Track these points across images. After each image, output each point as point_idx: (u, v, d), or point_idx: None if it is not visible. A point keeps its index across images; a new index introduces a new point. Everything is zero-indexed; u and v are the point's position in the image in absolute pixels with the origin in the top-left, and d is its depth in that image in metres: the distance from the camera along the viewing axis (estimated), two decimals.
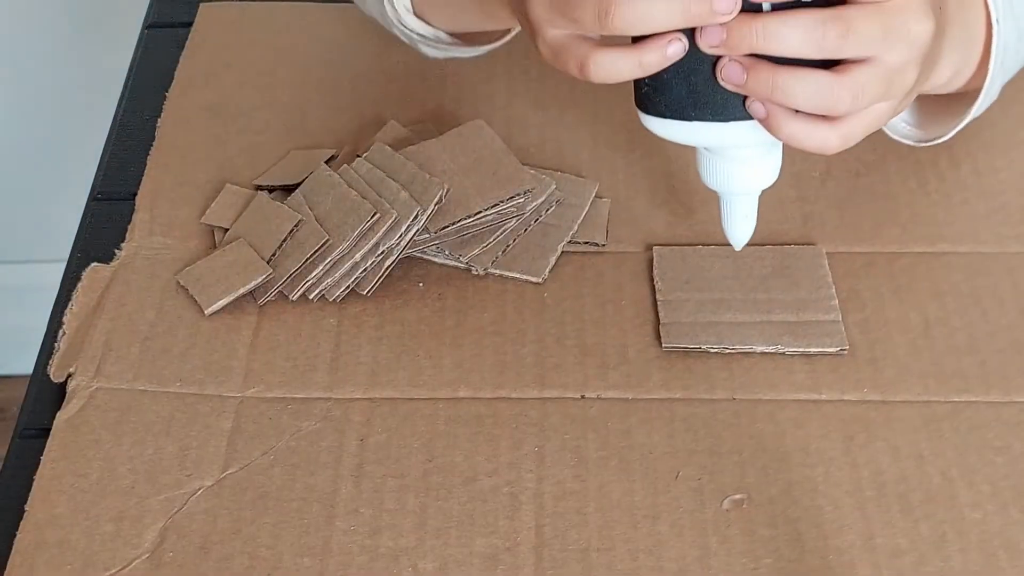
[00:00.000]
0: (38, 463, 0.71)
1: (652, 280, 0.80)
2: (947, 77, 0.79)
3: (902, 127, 0.85)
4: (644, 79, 0.70)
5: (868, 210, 0.85)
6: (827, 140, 0.68)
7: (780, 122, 0.68)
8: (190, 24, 1.01)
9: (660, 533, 0.68)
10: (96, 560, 0.67)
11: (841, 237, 0.83)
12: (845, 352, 0.76)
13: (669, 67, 0.68)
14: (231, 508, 0.69)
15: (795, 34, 0.65)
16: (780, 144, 0.72)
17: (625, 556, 0.67)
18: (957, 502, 0.69)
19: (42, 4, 1.66)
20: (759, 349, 0.76)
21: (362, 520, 0.69)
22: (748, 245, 0.81)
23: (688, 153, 0.88)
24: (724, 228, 0.76)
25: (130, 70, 0.98)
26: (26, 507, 0.69)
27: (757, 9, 0.66)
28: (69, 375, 0.76)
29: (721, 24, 0.66)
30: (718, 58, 0.67)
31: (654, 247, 0.82)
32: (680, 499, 0.69)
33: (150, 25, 1.02)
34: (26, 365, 0.85)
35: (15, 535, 0.68)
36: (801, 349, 0.76)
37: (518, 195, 0.82)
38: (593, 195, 0.85)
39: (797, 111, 0.67)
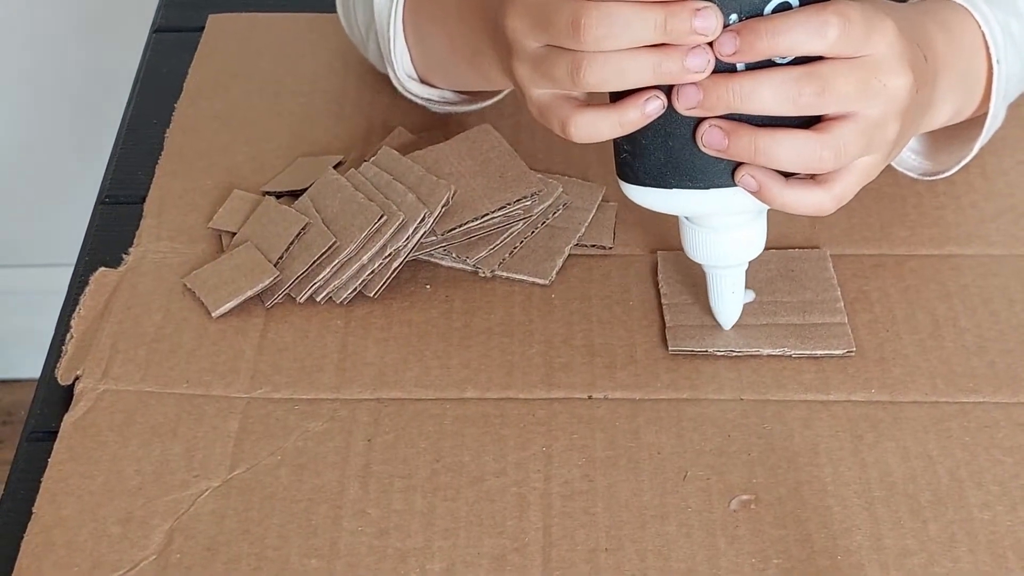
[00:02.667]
0: (46, 466, 0.71)
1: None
2: (947, 117, 0.79)
3: (909, 157, 0.85)
4: (623, 146, 0.71)
5: (876, 212, 0.85)
6: (822, 203, 0.69)
7: (773, 193, 0.68)
8: (198, 29, 1.01)
9: (668, 533, 0.68)
10: (104, 562, 0.67)
11: (849, 240, 0.83)
12: (852, 354, 0.76)
13: (647, 132, 0.69)
14: (238, 509, 0.69)
15: (771, 93, 0.66)
16: (764, 213, 0.73)
17: (633, 556, 0.67)
18: (966, 502, 0.69)
19: (49, 9, 1.67)
20: (765, 352, 0.76)
21: (369, 521, 0.69)
22: None
23: None
24: (712, 306, 0.76)
25: (138, 74, 0.99)
26: (34, 509, 0.69)
27: (732, 69, 0.66)
28: (76, 378, 0.76)
29: (697, 85, 0.66)
30: (697, 122, 0.68)
31: (658, 252, 0.82)
32: (688, 499, 0.69)
33: (158, 29, 1.03)
34: (34, 369, 0.85)
35: (23, 537, 0.68)
36: (807, 352, 0.76)
37: (525, 198, 0.82)
38: (600, 199, 0.85)
39: (788, 180, 0.68)
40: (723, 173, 0.69)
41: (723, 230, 0.73)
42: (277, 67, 0.98)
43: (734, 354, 0.76)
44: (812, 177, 0.69)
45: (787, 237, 0.83)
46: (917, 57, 0.70)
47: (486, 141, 0.85)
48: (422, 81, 0.88)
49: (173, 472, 0.71)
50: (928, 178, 0.85)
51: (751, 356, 0.76)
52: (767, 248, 0.81)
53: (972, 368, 0.75)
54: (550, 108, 0.69)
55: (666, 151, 0.69)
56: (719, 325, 0.77)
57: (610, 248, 0.83)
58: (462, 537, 0.68)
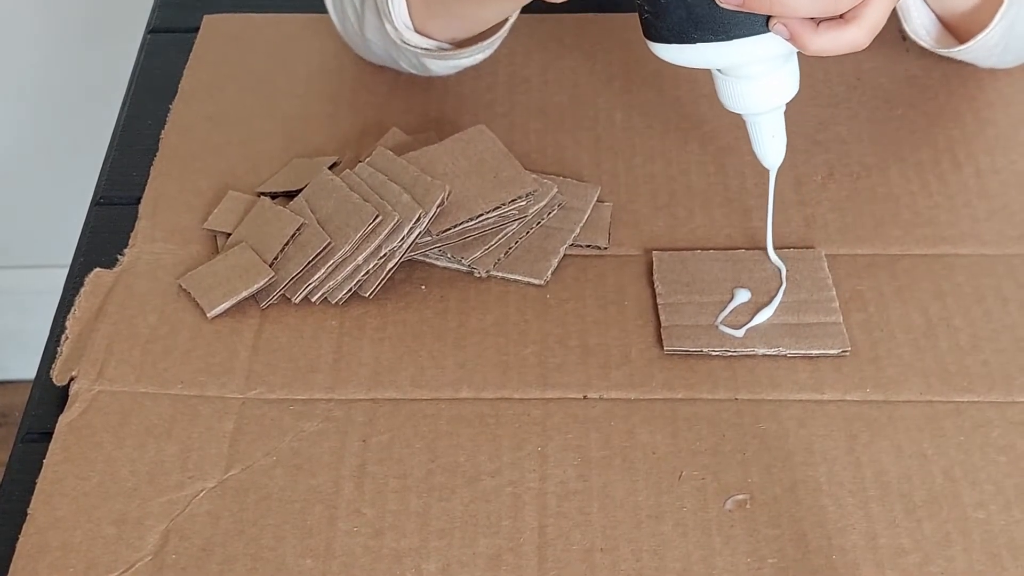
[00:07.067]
0: (41, 467, 0.71)
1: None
2: None
3: (922, 34, 0.86)
4: (644, 7, 0.71)
5: (870, 212, 0.85)
6: (855, 40, 0.69)
7: (806, 39, 0.69)
8: (192, 30, 1.01)
9: (664, 533, 0.68)
10: (98, 563, 0.67)
11: (843, 239, 0.83)
12: (847, 353, 0.76)
13: None
14: (233, 510, 0.69)
15: None
16: (794, 55, 0.73)
17: (629, 556, 0.67)
18: (960, 501, 0.69)
19: (44, 9, 1.66)
20: (760, 352, 0.76)
21: (365, 521, 0.69)
22: (748, 249, 0.82)
23: (686, 157, 0.89)
24: (755, 152, 0.76)
25: (133, 75, 0.99)
26: (29, 510, 0.69)
27: None
28: (72, 379, 0.76)
29: None
30: None
31: (653, 251, 0.82)
32: (684, 499, 0.69)
33: (153, 30, 1.03)
34: (28, 370, 0.85)
35: (18, 538, 0.68)
36: (802, 351, 0.76)
37: (520, 198, 0.82)
38: (595, 199, 0.85)
39: (819, 24, 0.68)
40: (745, 23, 0.69)
41: (755, 77, 0.73)
42: (272, 68, 0.98)
43: (729, 354, 0.76)
44: (841, 16, 0.69)
45: (783, 236, 0.83)
46: None
47: (480, 141, 0.85)
48: (418, 32, 0.88)
49: (168, 473, 0.71)
50: (942, 51, 0.86)
51: (746, 356, 0.76)
52: (764, 248, 0.81)
53: (966, 367, 0.75)
54: None
55: (686, 8, 0.69)
56: (765, 167, 0.77)
57: (605, 248, 0.83)
58: (457, 537, 0.68)
